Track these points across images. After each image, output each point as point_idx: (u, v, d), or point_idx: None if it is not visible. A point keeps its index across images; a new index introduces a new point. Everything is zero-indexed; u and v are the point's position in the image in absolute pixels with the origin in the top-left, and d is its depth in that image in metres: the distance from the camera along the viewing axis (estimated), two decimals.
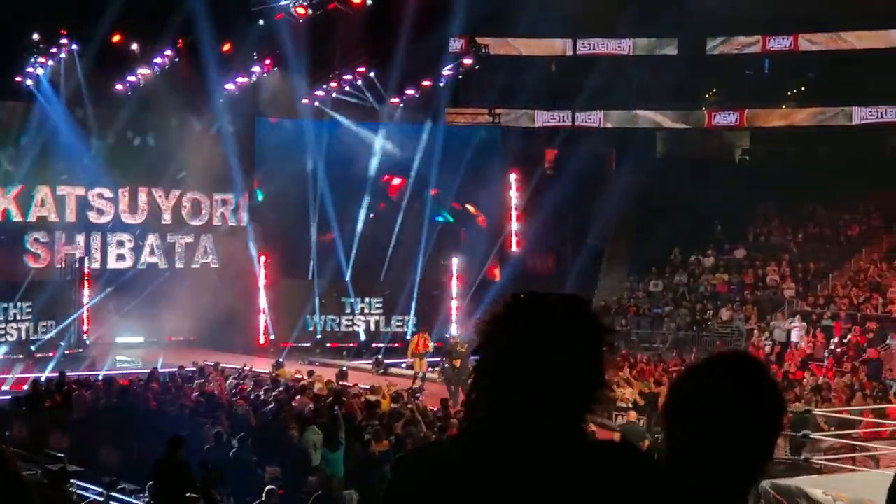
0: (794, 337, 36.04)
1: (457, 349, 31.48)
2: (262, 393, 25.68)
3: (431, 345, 35.68)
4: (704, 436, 2.68)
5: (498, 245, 44.40)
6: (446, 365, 31.98)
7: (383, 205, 43.44)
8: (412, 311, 41.86)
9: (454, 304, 42.18)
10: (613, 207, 43.85)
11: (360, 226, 42.07)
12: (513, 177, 44.76)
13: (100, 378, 29.39)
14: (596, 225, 44.22)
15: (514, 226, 44.84)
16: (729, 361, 2.78)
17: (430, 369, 36.38)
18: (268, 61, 39.66)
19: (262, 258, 40.67)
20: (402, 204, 43.14)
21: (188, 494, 15.75)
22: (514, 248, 44.72)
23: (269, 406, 23.37)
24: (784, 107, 44.18)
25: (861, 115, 41.76)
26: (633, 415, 25.12)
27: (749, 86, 45.48)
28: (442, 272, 42.74)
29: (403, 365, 38.18)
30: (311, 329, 41.04)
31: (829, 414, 24.82)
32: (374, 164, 42.84)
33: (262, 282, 40.69)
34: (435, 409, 25.32)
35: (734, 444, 2.68)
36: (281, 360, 34.28)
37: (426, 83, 41.98)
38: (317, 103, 42.07)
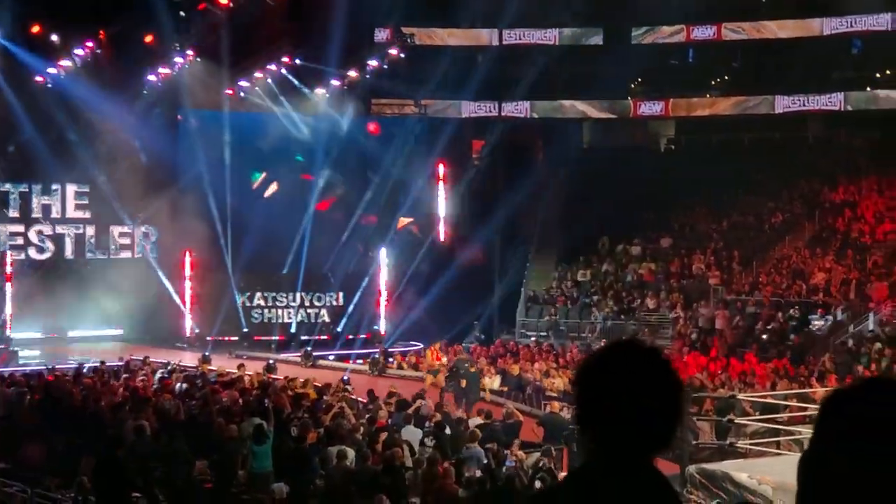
0: (719, 324, 36.46)
1: (465, 367, 30.56)
2: (188, 387, 25.44)
3: (444, 358, 34.94)
4: (606, 419, 2.77)
5: (428, 237, 44.43)
6: (452, 382, 30.39)
7: (326, 203, 43.06)
8: (350, 305, 41.88)
9: (383, 296, 42.15)
10: (541, 197, 44.03)
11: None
12: (441, 168, 44.78)
13: (23, 373, 28.98)
14: (524, 215, 44.38)
15: (443, 218, 44.87)
16: (623, 347, 2.89)
17: (356, 361, 36.43)
18: (190, 52, 39.26)
19: (188, 252, 40.27)
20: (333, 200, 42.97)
21: (133, 494, 15.57)
22: (442, 239, 44.76)
23: (196, 400, 23.15)
24: (708, 96, 44.59)
25: (784, 103, 42.27)
26: (556, 405, 25.28)
27: (674, 75, 45.86)
28: (370, 264, 42.68)
29: (332, 357, 38.10)
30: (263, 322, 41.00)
31: (753, 399, 25.10)
32: (299, 154, 42.57)
33: (187, 275, 40.35)
34: (365, 401, 25.27)
35: (635, 427, 2.77)
36: (207, 353, 34.08)
37: (352, 74, 41.83)
38: (241, 94, 41.76)
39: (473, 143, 47.39)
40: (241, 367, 30.28)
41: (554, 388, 30.93)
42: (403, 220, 43.75)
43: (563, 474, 19.49)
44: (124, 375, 27.40)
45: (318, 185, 42.48)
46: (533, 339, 38.88)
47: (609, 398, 2.77)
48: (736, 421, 22.98)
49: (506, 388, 31.68)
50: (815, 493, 2.36)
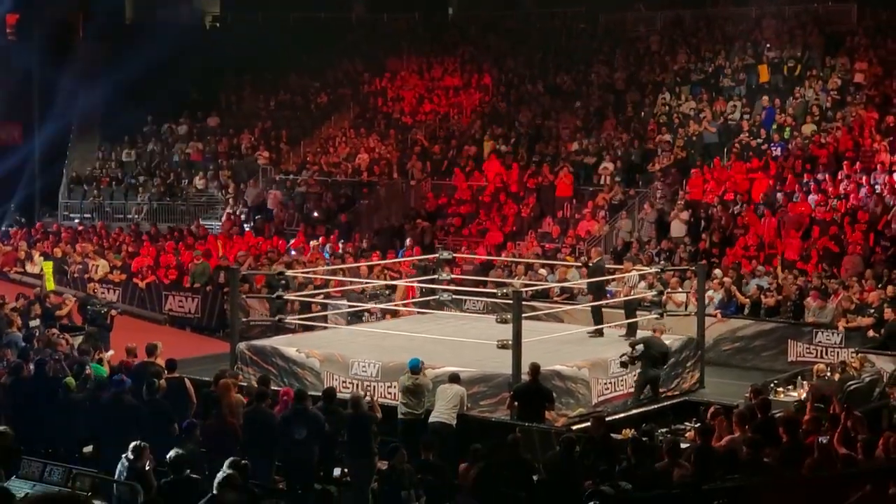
0: (270, 203, 36.71)
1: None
2: None
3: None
4: None
5: None
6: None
7: None
8: None
9: None
10: (85, 74, 42.34)
11: None
12: None
13: None
14: (65, 93, 42.53)
15: None
16: None
17: None
18: None
19: None
20: None
21: None
22: None
23: None
24: None
25: None
26: (97, 287, 24.61)
27: None
28: None
29: None
30: None
31: (302, 275, 25.50)
32: None
33: None
34: None
35: None
36: None
37: None
38: None
39: (7, 16, 44.61)
40: None
41: (98, 270, 30.25)
42: None
43: (108, 354, 19.12)
44: None
45: None
46: (77, 220, 37.78)
47: None
48: (285, 297, 23.25)
49: None
50: None
